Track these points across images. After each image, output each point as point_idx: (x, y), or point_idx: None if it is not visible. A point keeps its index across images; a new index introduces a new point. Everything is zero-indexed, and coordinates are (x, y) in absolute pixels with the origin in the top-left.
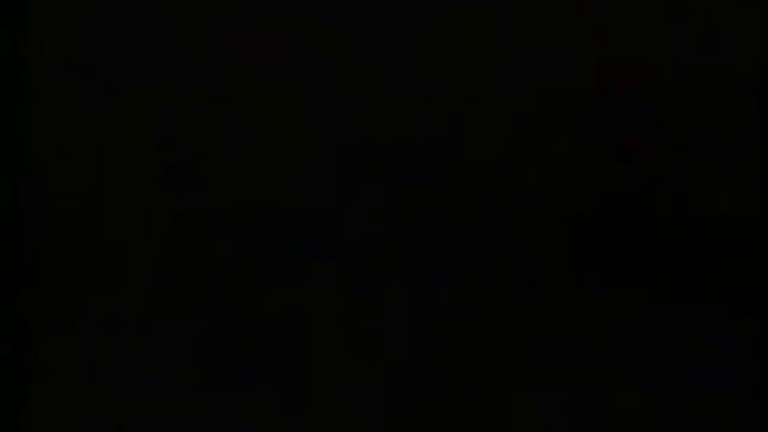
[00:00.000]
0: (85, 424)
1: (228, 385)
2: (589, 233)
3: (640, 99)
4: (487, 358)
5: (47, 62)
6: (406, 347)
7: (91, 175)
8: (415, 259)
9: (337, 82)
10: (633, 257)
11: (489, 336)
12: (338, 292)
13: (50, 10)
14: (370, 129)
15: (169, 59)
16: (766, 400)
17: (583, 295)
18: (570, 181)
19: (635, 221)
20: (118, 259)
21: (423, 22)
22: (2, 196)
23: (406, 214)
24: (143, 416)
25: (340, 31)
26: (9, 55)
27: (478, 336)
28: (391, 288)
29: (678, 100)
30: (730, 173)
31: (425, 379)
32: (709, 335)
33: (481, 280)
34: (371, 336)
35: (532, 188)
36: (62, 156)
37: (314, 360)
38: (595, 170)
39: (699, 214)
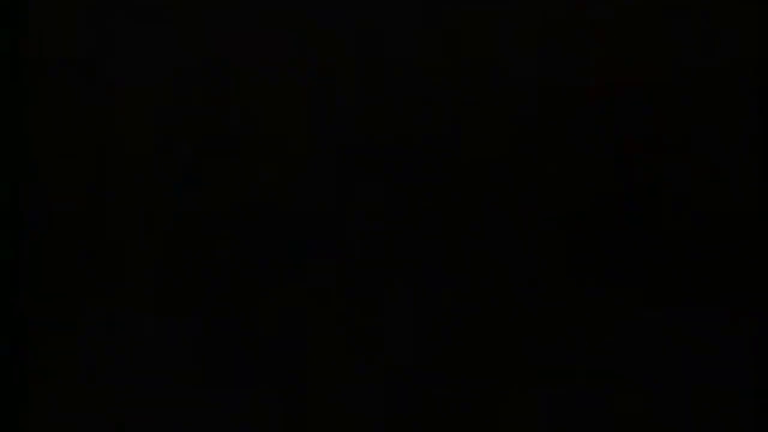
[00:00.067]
0: (85, 424)
1: (228, 385)
2: (589, 233)
3: (640, 99)
4: (487, 358)
5: (47, 62)
6: (406, 347)
7: (91, 175)
8: (415, 259)
9: (337, 82)
10: (633, 257)
11: (489, 336)
12: (338, 292)
13: (50, 10)
14: (370, 129)
15: (169, 59)
16: (766, 400)
17: (583, 295)
18: (570, 181)
19: (635, 221)
20: (118, 259)
21: (423, 22)
22: (2, 196)
23: (406, 214)
24: (143, 416)
25: (340, 31)
26: (9, 55)
27: (478, 336)
28: (391, 288)
29: (678, 100)
30: (730, 173)
31: (425, 379)
32: (709, 335)
33: (481, 280)
34: (371, 336)
35: (532, 188)
36: (62, 156)
37: (314, 360)
38: (595, 170)
39: (699, 214)
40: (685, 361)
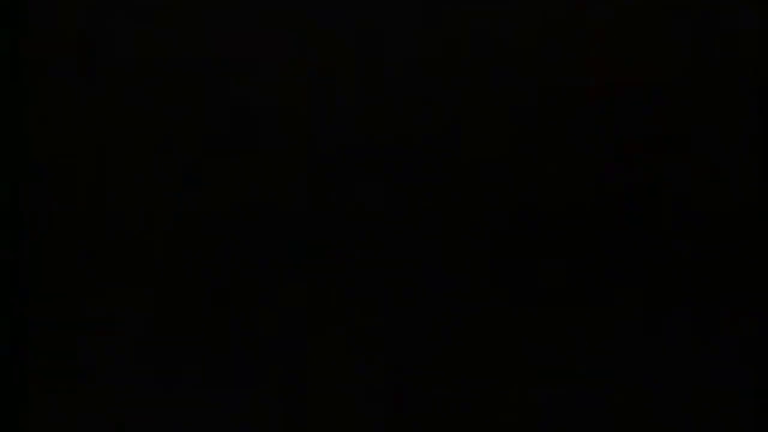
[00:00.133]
0: (85, 424)
1: (228, 385)
2: (589, 233)
3: (640, 99)
4: (487, 358)
5: (47, 62)
6: (406, 347)
7: (91, 175)
8: (415, 259)
9: (337, 82)
10: (633, 257)
11: (489, 336)
12: (338, 292)
13: (50, 10)
14: (370, 129)
15: (169, 59)
16: (766, 400)
17: (583, 296)
18: (570, 181)
19: (635, 221)
20: (118, 259)
21: (423, 21)
22: (2, 196)
23: (406, 214)
24: (143, 416)
25: (340, 31)
26: (9, 55)
27: (478, 336)
28: (391, 288)
29: (678, 100)
30: (730, 173)
31: (425, 379)
32: (709, 335)
33: (481, 280)
34: (371, 336)
35: (532, 188)
36: (62, 156)
37: (314, 360)
38: (595, 170)
39: (699, 214)
40: (685, 361)
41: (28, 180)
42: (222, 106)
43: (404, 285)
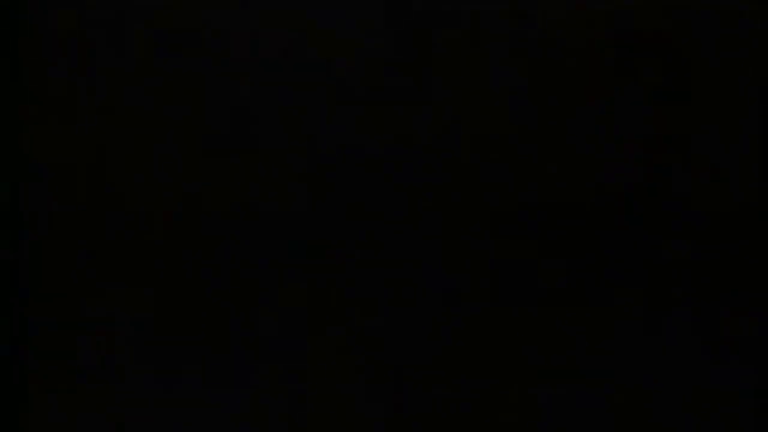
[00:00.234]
0: (85, 424)
1: (228, 385)
2: (589, 233)
3: (640, 99)
4: (487, 358)
5: (47, 62)
6: (406, 347)
7: (91, 175)
8: (415, 259)
9: (337, 82)
10: (633, 257)
11: (489, 336)
12: (338, 292)
13: (50, 10)
14: (370, 129)
15: (169, 59)
16: (766, 400)
17: (583, 296)
18: (570, 181)
19: (635, 221)
20: (118, 259)
21: (423, 22)
22: (2, 196)
23: (406, 214)
24: (143, 416)
25: (340, 31)
26: (9, 55)
27: (478, 336)
28: (391, 288)
29: (678, 99)
30: (730, 173)
31: (425, 379)
32: (709, 335)
33: (481, 280)
34: (371, 336)
35: (532, 188)
36: (62, 156)
37: (314, 360)
38: (595, 170)
39: (699, 214)
40: (685, 361)
41: (28, 180)
42: (222, 106)
43: (404, 285)
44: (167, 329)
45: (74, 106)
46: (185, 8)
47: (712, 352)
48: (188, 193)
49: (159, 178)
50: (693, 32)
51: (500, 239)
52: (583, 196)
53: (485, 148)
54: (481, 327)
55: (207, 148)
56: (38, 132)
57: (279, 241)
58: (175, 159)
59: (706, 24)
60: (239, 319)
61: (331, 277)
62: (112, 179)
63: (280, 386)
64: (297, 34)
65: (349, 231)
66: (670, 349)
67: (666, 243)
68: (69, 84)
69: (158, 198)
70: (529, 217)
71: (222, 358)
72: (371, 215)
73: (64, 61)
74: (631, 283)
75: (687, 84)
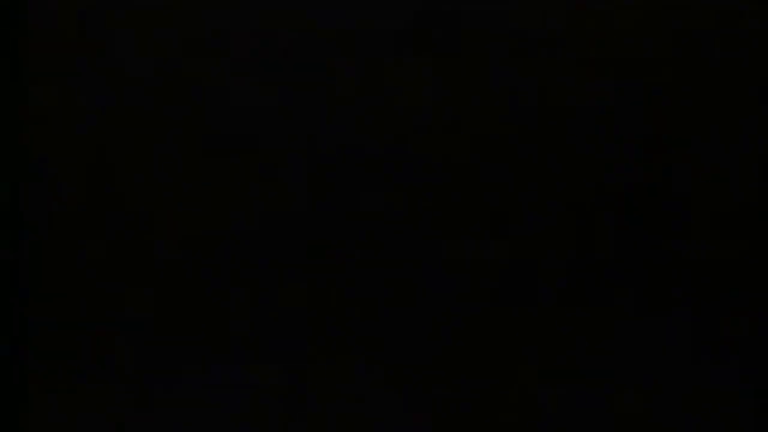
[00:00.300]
0: (85, 424)
1: (228, 385)
2: (589, 233)
3: (640, 99)
4: (487, 358)
5: (47, 62)
6: (406, 347)
7: (91, 175)
8: (415, 259)
9: (337, 82)
10: (633, 257)
11: (489, 336)
12: (338, 292)
13: (50, 10)
14: (370, 129)
15: (169, 59)
16: (766, 400)
17: (584, 295)
18: (570, 181)
19: (635, 221)
20: (118, 259)
21: (423, 22)
22: (2, 196)
23: (406, 214)
24: (143, 416)
25: (341, 31)
26: (9, 55)
27: (478, 336)
28: (391, 288)
29: (678, 100)
30: (730, 173)
31: (425, 379)
32: (709, 335)
33: (481, 280)
34: (371, 336)
35: (532, 188)
36: (62, 156)
37: (314, 360)
38: (595, 170)
39: (699, 214)
40: (685, 361)
41: (28, 180)
42: (222, 106)
43: (404, 285)
44: (167, 329)
45: (74, 106)
46: (185, 8)
47: (712, 352)
48: (188, 193)
49: (159, 178)
50: (693, 32)
51: (500, 239)
52: (583, 196)
53: (485, 148)
54: (481, 327)
55: (207, 148)
56: (38, 132)
57: (279, 241)
58: (175, 159)
59: (706, 24)
60: (239, 319)
61: (331, 277)
62: (112, 179)
63: (280, 386)
64: (297, 34)
65: (349, 231)
66: (670, 349)
67: (666, 243)
68: (69, 84)
69: (158, 198)
70: (529, 217)
71: (222, 358)
72: (371, 215)
73: (64, 61)
74: (631, 283)
75: (687, 84)
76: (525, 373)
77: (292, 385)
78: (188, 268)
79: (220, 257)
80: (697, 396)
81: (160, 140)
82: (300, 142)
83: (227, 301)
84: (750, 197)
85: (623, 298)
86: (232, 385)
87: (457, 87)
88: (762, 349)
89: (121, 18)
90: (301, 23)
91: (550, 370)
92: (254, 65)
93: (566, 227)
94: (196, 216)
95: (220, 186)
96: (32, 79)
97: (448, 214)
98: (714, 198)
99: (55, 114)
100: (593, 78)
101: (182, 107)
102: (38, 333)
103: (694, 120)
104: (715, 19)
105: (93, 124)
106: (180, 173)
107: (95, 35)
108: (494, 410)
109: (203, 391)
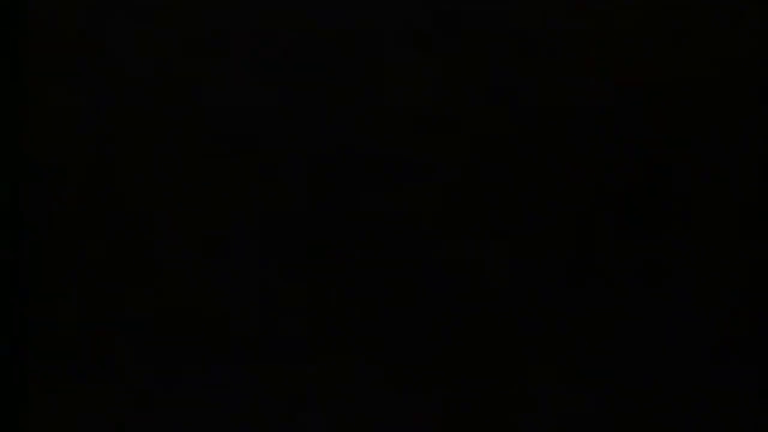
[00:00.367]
0: (85, 424)
1: (228, 385)
2: (589, 233)
3: (640, 99)
4: (487, 358)
5: (47, 62)
6: (406, 347)
7: (91, 175)
8: (416, 259)
9: (337, 82)
10: (633, 257)
11: (489, 336)
12: (338, 292)
13: (50, 10)
14: (370, 129)
15: (169, 59)
16: (766, 400)
17: (584, 295)
18: (570, 181)
19: (635, 221)
20: (118, 259)
21: (423, 22)
22: (2, 196)
23: (406, 214)
24: (143, 416)
25: (341, 31)
26: (9, 54)
27: (478, 336)
28: (391, 288)
29: (678, 99)
30: (730, 173)
31: (425, 379)
32: (709, 335)
33: (482, 281)
34: (371, 336)
35: (532, 188)
36: (62, 156)
37: (314, 360)
38: (595, 170)
39: (699, 213)
40: (685, 362)
41: (28, 180)
42: (222, 106)
43: (404, 285)
44: (167, 329)
45: (74, 106)
46: (185, 8)
47: (712, 352)
48: (188, 193)
49: (159, 178)
50: (693, 32)
51: (500, 239)
52: (583, 196)
53: (485, 148)
54: (481, 327)
55: (207, 148)
56: (38, 132)
57: (279, 241)
58: (175, 159)
59: (706, 24)
60: (239, 319)
61: (331, 277)
62: (112, 179)
63: (280, 386)
64: (297, 34)
65: (349, 231)
66: (670, 349)
67: (666, 243)
68: (69, 84)
69: (158, 198)
70: (529, 217)
71: (222, 358)
72: (371, 215)
73: (64, 61)
74: (631, 283)
75: (687, 84)
76: (525, 373)
77: (292, 385)
78: (188, 268)
79: (220, 257)
80: (697, 396)
81: (160, 140)
82: (300, 142)
83: (227, 301)
84: (750, 197)
85: (623, 298)
86: (232, 385)
87: (457, 87)
88: (762, 349)
89: (121, 18)
90: (301, 23)
91: (550, 370)
92: (254, 65)
93: (566, 227)
94: (196, 216)
95: (220, 186)
96: (32, 79)
97: (448, 214)
98: (714, 198)
99: (55, 114)
100: (593, 78)
101: (182, 107)
102: (38, 333)
103: (694, 120)
104: (715, 19)
105: (93, 124)
106: (180, 173)
107: (95, 35)
108: (494, 410)
109: (203, 391)
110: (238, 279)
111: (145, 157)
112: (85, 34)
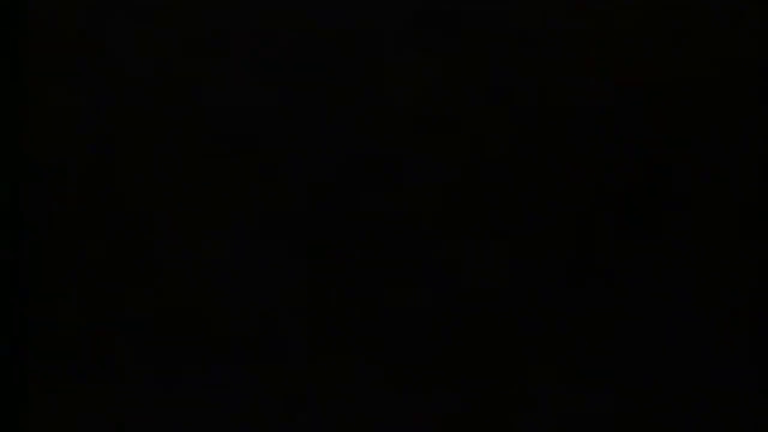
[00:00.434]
0: (85, 424)
1: (228, 385)
2: (590, 233)
3: (640, 99)
4: (487, 358)
5: (47, 62)
6: (406, 347)
7: (91, 175)
8: (415, 259)
9: (338, 83)
10: (633, 257)
11: (489, 336)
12: (338, 292)
13: (50, 10)
14: (370, 129)
15: (169, 59)
16: (766, 400)
17: (584, 295)
18: (570, 181)
19: (635, 221)
20: (118, 259)
21: (421, 21)
22: (2, 196)
23: (406, 214)
24: (143, 416)
25: (341, 31)
26: (9, 54)
27: (478, 336)
28: (391, 288)
29: (678, 99)
30: (730, 173)
31: (425, 379)
32: (709, 335)
33: (481, 280)
34: (371, 336)
35: (532, 188)
36: (62, 156)
37: (314, 360)
38: (595, 170)
39: (699, 213)
40: (685, 362)
41: (28, 180)
42: (222, 106)
43: (404, 285)
44: (167, 329)
45: (74, 106)
46: (185, 8)
47: (712, 352)
48: (188, 193)
49: (159, 178)
50: (693, 32)
51: (500, 239)
52: (583, 196)
53: (485, 148)
54: (481, 327)
55: (207, 148)
56: (38, 132)
57: (279, 241)
58: (175, 159)
59: (706, 24)
60: (239, 319)
61: (331, 277)
62: (112, 179)
63: (280, 386)
64: (297, 34)
65: (349, 231)
66: (670, 349)
67: (666, 243)
68: (69, 84)
69: (158, 198)
70: (529, 217)
71: (222, 358)
72: (371, 215)
73: (64, 61)
74: (631, 283)
75: (687, 84)
76: (525, 373)
77: (292, 385)
78: (188, 268)
79: (220, 257)
80: (697, 396)
81: (160, 140)
82: (300, 142)
83: (227, 301)
84: (750, 197)
85: (623, 298)
86: (232, 385)
87: (457, 87)
88: (762, 349)
89: (121, 18)
90: (301, 23)
91: (550, 370)
92: (254, 65)
93: (566, 227)
94: (196, 216)
95: (220, 186)
96: (32, 79)
97: (448, 214)
98: (714, 198)
99: (55, 114)
100: (593, 78)
101: (182, 107)
102: (38, 333)
103: (694, 120)
104: (715, 19)
105: (93, 124)
106: (180, 173)
107: (95, 35)
108: (494, 410)
109: (203, 391)
110: (238, 279)
111: (145, 157)
112: (85, 34)
